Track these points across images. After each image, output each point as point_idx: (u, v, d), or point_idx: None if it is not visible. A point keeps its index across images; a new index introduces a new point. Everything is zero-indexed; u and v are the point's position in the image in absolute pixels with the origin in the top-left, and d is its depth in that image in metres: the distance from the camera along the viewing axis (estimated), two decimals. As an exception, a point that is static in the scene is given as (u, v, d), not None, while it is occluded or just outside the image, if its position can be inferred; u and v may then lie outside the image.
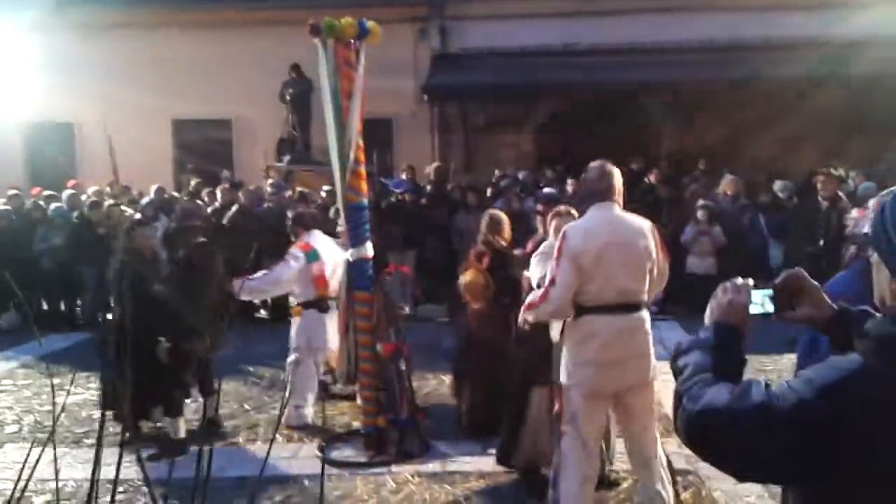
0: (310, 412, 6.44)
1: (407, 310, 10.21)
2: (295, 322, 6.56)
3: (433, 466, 5.51)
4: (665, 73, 13.87)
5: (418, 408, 6.11)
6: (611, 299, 4.13)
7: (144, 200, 10.91)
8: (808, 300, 1.71)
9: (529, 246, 6.19)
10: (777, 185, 10.96)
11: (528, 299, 4.43)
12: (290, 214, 10.48)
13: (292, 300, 6.79)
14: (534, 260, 4.94)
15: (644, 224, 4.32)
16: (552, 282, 4.14)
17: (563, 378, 4.30)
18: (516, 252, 6.25)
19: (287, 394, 6.57)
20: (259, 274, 6.52)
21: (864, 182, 10.46)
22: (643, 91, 14.46)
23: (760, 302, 1.70)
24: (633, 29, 14.33)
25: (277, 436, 6.10)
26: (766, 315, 1.70)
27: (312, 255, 6.41)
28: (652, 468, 4.35)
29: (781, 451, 1.42)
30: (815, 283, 1.74)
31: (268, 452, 4.67)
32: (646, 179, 12.10)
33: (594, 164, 4.38)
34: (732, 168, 12.63)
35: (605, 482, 4.94)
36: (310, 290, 6.43)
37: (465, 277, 6.12)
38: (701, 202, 10.47)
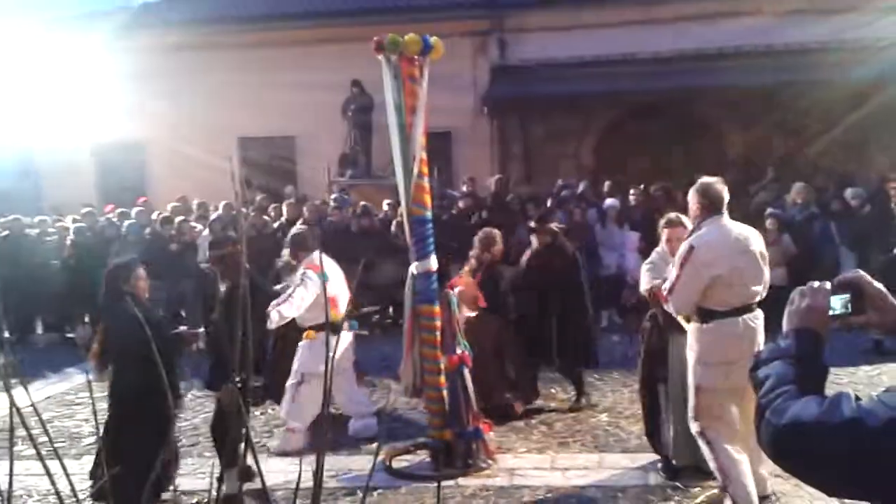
0: (303, 438, 6.26)
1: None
2: (305, 345, 6.32)
3: (500, 480, 5.49)
4: (726, 80, 13.62)
5: (483, 419, 6.10)
6: (740, 303, 4.58)
7: (212, 217, 11.18)
8: (872, 304, 1.65)
9: (524, 259, 7.34)
10: (849, 193, 10.62)
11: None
12: (353, 228, 10.68)
13: (301, 322, 6.31)
14: (644, 268, 5.43)
15: (753, 231, 4.80)
16: (671, 290, 4.62)
17: (699, 379, 4.66)
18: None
19: (285, 416, 6.39)
20: (281, 299, 6.06)
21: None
22: (704, 98, 14.23)
23: (838, 306, 1.66)
24: (692, 36, 14.12)
25: (345, 448, 6.16)
26: (843, 317, 1.66)
27: (324, 276, 5.96)
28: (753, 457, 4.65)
29: (873, 467, 1.38)
30: (880, 286, 1.67)
31: (315, 464, 4.71)
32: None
33: (706, 180, 4.75)
34: (800, 175, 12.33)
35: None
36: (321, 313, 6.08)
37: (458, 290, 6.52)
38: (769, 211, 10.22)
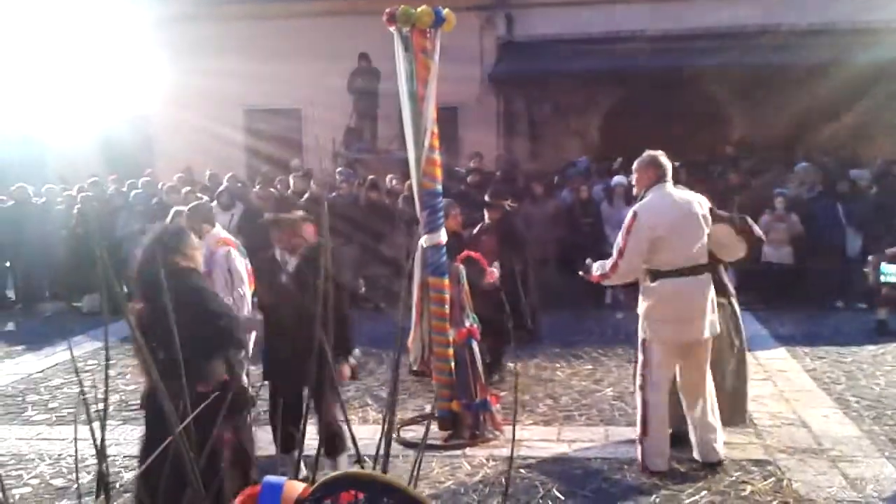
0: None
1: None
2: None
3: (507, 451, 5.56)
4: (733, 58, 13.55)
5: (491, 391, 6.17)
6: (683, 263, 4.94)
7: (220, 188, 11.20)
8: None
9: (476, 231, 7.74)
10: (855, 173, 10.64)
11: (598, 270, 5.26)
12: (361, 201, 10.69)
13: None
14: None
15: (696, 196, 5.14)
16: (620, 255, 4.98)
17: (642, 333, 5.08)
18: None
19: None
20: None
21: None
22: (711, 76, 14.17)
23: (893, 274, 1.70)
24: (700, 14, 14.04)
25: (353, 417, 6.23)
26: None
27: (242, 251, 5.66)
28: (704, 410, 5.08)
29: None
30: None
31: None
32: (716, 169, 11.92)
33: (651, 153, 5.17)
34: (805, 155, 12.35)
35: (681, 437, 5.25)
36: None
37: None
38: (777, 190, 10.25)
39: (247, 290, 5.55)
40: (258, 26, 14.72)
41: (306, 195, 10.69)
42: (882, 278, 1.81)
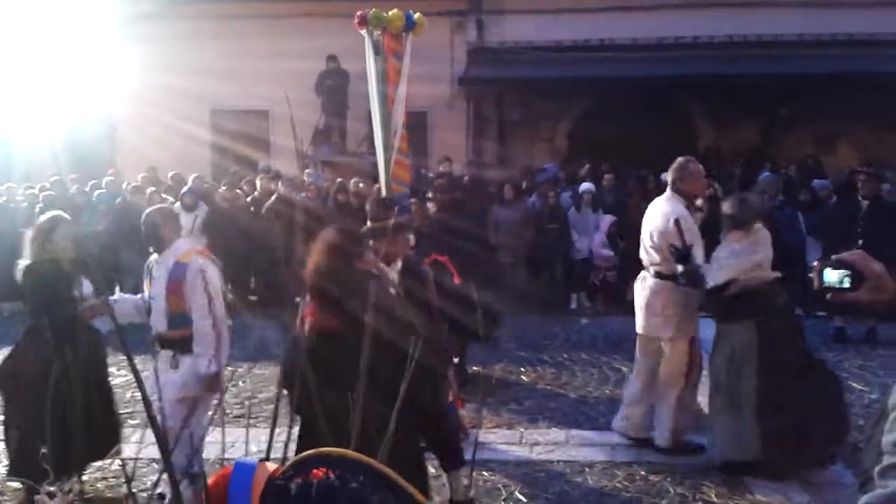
0: None
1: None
2: None
3: (469, 454, 5.57)
4: (701, 69, 13.80)
5: (456, 396, 6.17)
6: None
7: (184, 189, 11.09)
8: (870, 284, 1.74)
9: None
10: (816, 183, 10.85)
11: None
12: (329, 204, 10.64)
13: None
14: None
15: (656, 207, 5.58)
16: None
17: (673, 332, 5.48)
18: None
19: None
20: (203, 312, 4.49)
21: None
22: (679, 87, 14.39)
23: (835, 280, 1.76)
24: (669, 24, 14.26)
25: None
26: (839, 291, 1.77)
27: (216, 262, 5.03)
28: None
29: None
30: (881, 266, 1.77)
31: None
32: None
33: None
34: (770, 165, 12.59)
35: None
36: None
37: None
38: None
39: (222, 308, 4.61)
40: (226, 25, 14.63)
41: (273, 197, 10.62)
42: (825, 283, 1.90)
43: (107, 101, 15.17)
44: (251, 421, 6.23)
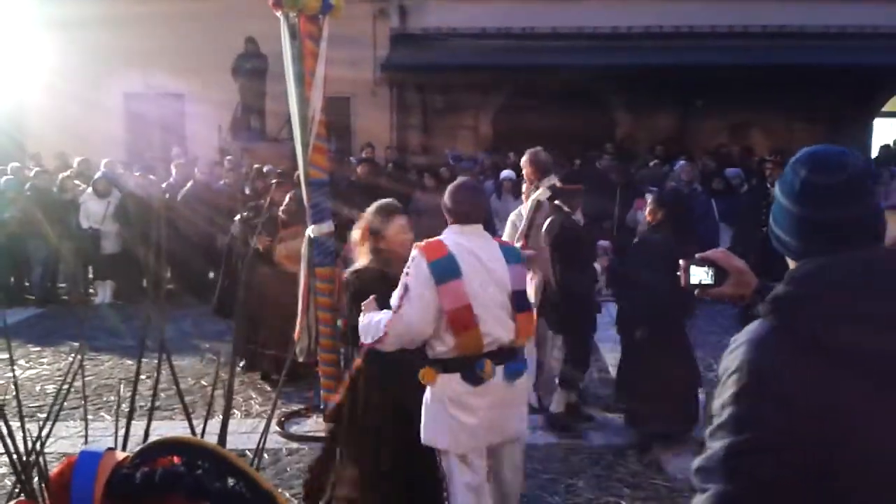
0: None
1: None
2: None
3: (393, 441, 5.56)
4: (620, 59, 14.06)
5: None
6: None
7: (97, 175, 10.68)
8: (734, 278, 1.88)
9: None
10: (729, 172, 11.21)
11: None
12: (247, 191, 10.43)
13: None
14: None
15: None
16: None
17: None
18: None
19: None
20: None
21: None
22: (599, 76, 14.63)
23: (702, 276, 1.91)
24: (589, 15, 14.46)
25: (236, 411, 6.09)
26: (704, 287, 1.90)
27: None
28: None
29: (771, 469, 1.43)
30: (741, 262, 1.90)
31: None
32: (598, 164, 12.30)
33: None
34: (686, 153, 12.95)
35: None
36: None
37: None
38: (648, 188, 10.67)
39: None
40: (141, 6, 14.09)
41: (189, 184, 10.34)
42: (692, 280, 1.96)
43: (16, 84, 14.49)
44: (167, 413, 6.06)
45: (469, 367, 3.34)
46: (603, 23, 14.43)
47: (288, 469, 5.15)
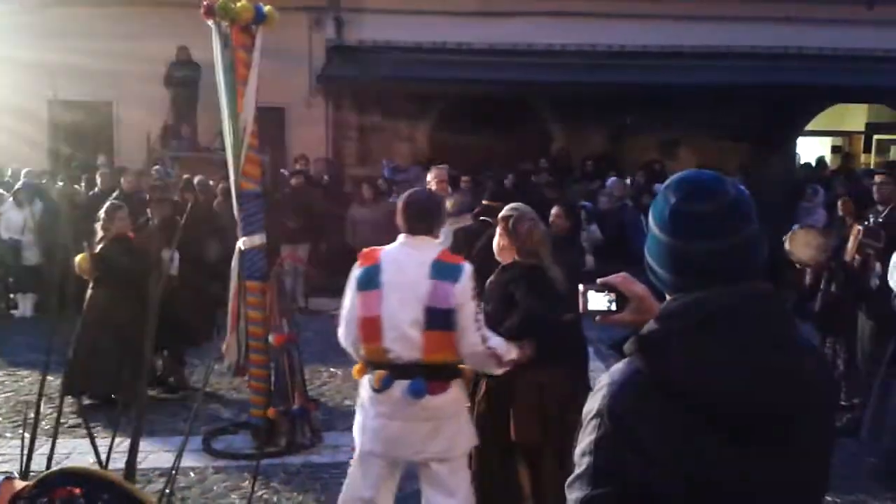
0: None
1: (300, 302, 10.12)
2: None
3: (325, 457, 5.48)
4: (555, 76, 14.26)
5: (309, 399, 6.06)
6: None
7: (18, 184, 10.29)
8: (635, 304, 1.73)
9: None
10: (658, 187, 11.47)
11: None
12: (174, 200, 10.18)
13: None
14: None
15: None
16: None
17: None
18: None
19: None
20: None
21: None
22: (533, 92, 14.81)
23: (602, 304, 1.76)
24: (524, 31, 14.63)
25: (160, 428, 5.90)
26: (606, 314, 1.75)
27: None
28: None
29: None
30: (642, 288, 1.75)
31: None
32: (533, 179, 12.47)
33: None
34: (617, 169, 13.22)
35: None
36: None
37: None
38: (582, 203, 10.88)
39: None
40: (69, 12, 13.67)
41: (115, 193, 10.03)
42: (590, 306, 1.96)
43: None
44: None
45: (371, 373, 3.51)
46: (538, 40, 14.62)
47: (214, 488, 5.01)
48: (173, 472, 1.86)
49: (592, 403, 1.42)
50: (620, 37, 14.62)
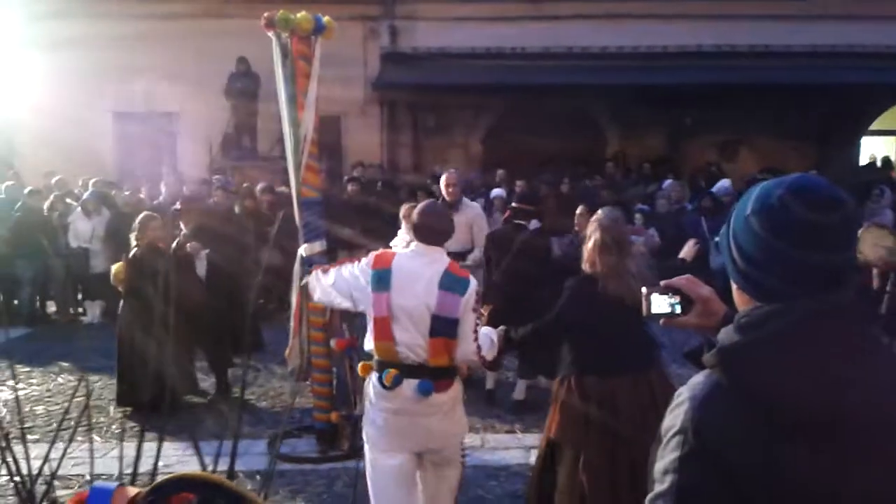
0: None
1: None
2: None
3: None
4: (610, 78, 14.15)
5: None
6: None
7: (86, 194, 10.65)
8: (698, 308, 1.69)
9: None
10: (717, 189, 11.27)
11: None
12: (237, 209, 10.40)
13: None
14: None
15: None
16: None
17: None
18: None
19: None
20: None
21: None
22: (589, 95, 14.71)
23: (666, 306, 1.73)
24: (579, 34, 14.56)
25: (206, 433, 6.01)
26: (670, 317, 1.72)
27: None
28: None
29: None
30: (709, 290, 1.71)
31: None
32: (588, 182, 12.36)
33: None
34: (676, 172, 13.03)
35: None
36: None
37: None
38: (637, 206, 10.73)
39: None
40: (132, 26, 14.09)
41: (178, 202, 10.29)
42: (654, 309, 1.93)
43: (6, 104, 14.45)
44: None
45: (380, 371, 3.63)
46: (592, 42, 14.52)
47: (279, 492, 5.09)
48: (271, 471, 1.90)
49: (674, 420, 1.38)
50: (675, 37, 14.44)
